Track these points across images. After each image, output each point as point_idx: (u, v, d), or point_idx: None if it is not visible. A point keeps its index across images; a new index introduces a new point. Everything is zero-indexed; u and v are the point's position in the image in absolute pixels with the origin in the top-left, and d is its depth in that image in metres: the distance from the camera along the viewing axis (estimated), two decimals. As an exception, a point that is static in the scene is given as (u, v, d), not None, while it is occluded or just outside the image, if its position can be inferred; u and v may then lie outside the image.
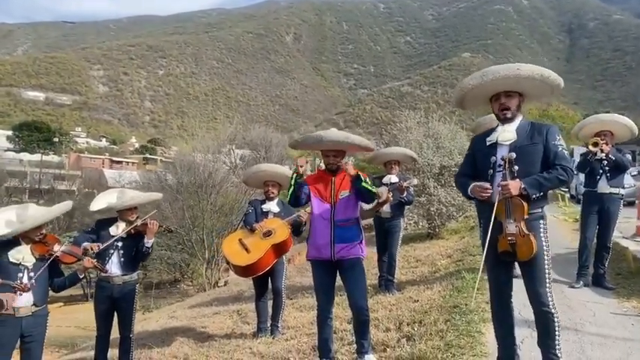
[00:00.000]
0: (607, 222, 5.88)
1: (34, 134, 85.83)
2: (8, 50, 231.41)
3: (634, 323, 4.53)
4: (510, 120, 3.28)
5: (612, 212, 5.84)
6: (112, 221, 4.86)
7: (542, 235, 3.19)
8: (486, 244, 3.19)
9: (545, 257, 3.19)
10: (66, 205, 4.34)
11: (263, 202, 5.53)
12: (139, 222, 4.75)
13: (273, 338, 5.17)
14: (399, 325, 4.75)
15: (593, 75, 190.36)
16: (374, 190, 4.02)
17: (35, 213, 3.93)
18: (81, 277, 4.25)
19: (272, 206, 5.45)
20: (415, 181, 6.49)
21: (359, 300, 3.84)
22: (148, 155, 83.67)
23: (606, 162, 5.70)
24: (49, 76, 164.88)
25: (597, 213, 5.87)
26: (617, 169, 5.73)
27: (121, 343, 4.79)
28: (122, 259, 4.71)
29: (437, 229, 11.16)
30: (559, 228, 10.51)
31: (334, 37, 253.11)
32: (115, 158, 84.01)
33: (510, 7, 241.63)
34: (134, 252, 4.77)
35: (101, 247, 4.55)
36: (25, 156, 71.30)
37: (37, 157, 65.93)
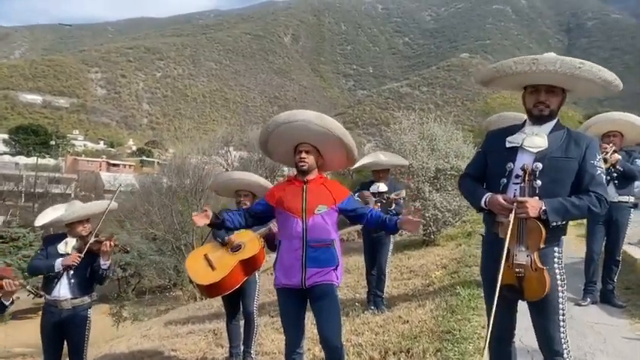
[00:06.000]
0: (615, 233, 5.33)
1: (31, 137, 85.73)
2: (5, 53, 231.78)
3: (650, 351, 3.99)
4: (545, 120, 2.65)
5: (621, 222, 5.28)
6: (62, 237, 4.31)
7: (556, 265, 2.56)
8: (499, 279, 2.49)
9: (560, 294, 2.57)
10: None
11: (235, 212, 4.98)
12: (91, 239, 4.20)
13: (244, 366, 4.62)
14: (384, 354, 4.20)
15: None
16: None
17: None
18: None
19: (244, 218, 4.90)
20: (404, 193, 5.99)
21: (331, 338, 3.21)
22: (144, 158, 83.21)
23: (613, 169, 5.16)
24: (47, 79, 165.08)
25: (605, 223, 5.32)
26: (626, 177, 5.19)
27: (71, 377, 4.26)
28: (72, 281, 4.14)
29: (432, 236, 10.60)
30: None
31: (333, 37, 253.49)
32: (112, 161, 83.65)
33: (509, 6, 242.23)
34: (88, 273, 4.22)
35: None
36: (21, 159, 70.89)
37: (33, 160, 65.52)
